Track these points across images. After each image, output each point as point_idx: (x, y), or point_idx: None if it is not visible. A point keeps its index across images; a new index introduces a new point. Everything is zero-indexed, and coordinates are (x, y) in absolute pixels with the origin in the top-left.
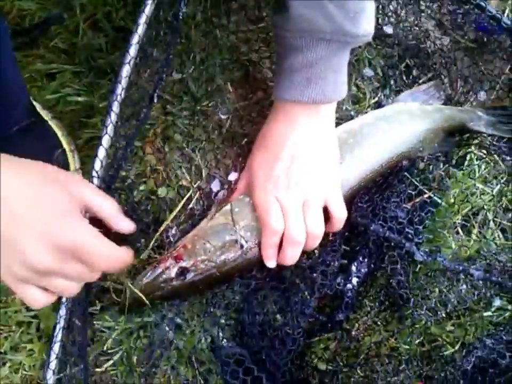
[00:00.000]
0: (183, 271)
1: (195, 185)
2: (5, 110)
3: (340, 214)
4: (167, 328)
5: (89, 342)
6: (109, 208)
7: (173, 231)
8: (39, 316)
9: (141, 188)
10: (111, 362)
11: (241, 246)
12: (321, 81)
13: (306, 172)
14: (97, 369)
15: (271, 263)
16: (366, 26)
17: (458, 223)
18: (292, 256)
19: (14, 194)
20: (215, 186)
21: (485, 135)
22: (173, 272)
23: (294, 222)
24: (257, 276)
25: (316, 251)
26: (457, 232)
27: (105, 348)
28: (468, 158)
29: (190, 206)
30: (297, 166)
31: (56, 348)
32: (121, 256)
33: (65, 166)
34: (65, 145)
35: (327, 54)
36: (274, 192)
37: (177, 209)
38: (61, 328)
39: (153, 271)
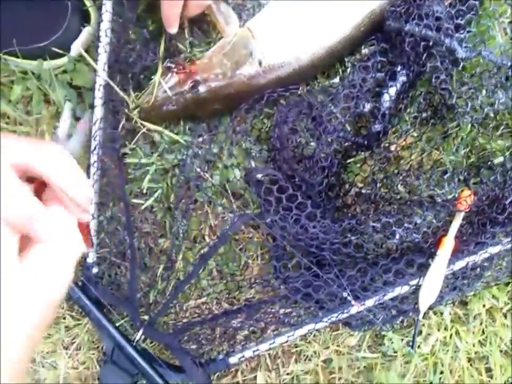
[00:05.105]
0: (195, 84)
1: None
2: None
3: None
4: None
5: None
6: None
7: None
8: None
9: None
10: (149, 201)
11: (260, 63)
12: None
13: None
14: (136, 209)
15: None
16: None
17: (509, 22)
18: None
19: None
20: None
21: None
22: (186, 85)
23: None
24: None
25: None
26: (505, 32)
27: (142, 187)
28: None
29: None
30: None
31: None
32: None
33: None
34: None
35: None
36: None
37: None
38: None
39: (169, 80)
